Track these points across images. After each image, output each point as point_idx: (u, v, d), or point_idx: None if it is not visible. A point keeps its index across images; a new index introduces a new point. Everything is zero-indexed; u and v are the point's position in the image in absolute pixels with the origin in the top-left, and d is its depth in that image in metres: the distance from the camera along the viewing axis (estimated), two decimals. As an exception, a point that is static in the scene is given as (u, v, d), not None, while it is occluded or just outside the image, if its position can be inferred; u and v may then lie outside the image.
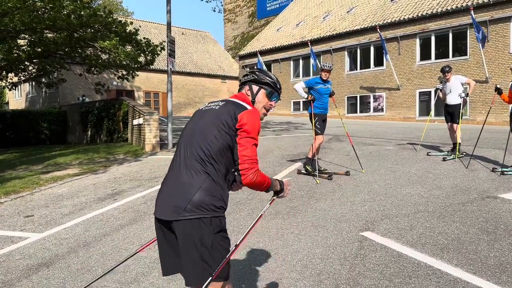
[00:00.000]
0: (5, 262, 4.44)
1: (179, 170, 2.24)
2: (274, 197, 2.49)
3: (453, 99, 8.57)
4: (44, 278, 3.95)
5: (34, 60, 17.98)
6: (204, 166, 2.18)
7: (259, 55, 27.56)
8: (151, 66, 18.89)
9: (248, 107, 2.32)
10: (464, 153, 8.44)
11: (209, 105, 2.43)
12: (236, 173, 2.26)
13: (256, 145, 2.23)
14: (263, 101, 2.48)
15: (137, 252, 2.59)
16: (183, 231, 2.14)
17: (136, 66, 17.26)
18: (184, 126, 2.46)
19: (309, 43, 24.42)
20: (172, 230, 2.21)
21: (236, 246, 2.20)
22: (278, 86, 2.53)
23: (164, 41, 15.42)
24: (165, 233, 2.27)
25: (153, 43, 17.24)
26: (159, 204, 2.26)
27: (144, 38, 17.22)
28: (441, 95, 8.88)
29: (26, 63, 18.08)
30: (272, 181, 2.34)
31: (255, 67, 27.22)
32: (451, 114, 8.67)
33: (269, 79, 2.50)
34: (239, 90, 2.55)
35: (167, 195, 2.22)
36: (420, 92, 20.59)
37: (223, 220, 2.22)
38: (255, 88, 2.49)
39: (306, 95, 7.49)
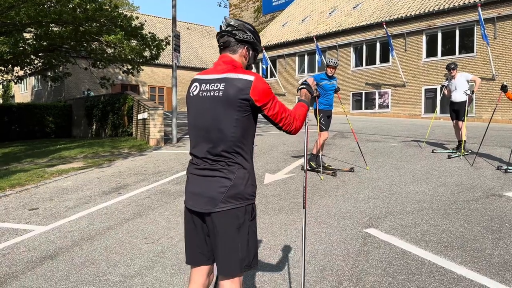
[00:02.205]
0: (9, 254, 4.47)
1: (206, 162, 2.19)
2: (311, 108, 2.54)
3: (458, 96, 8.52)
4: (48, 270, 3.97)
5: (40, 54, 18.05)
6: (232, 157, 2.16)
7: (264, 50, 27.48)
8: (156, 61, 18.89)
9: (250, 77, 2.15)
10: (470, 151, 8.40)
11: (204, 87, 2.22)
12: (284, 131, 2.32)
13: (277, 101, 2.24)
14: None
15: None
16: (220, 222, 2.14)
17: (141, 60, 17.28)
18: (188, 112, 2.33)
19: (314, 39, 24.33)
20: (205, 222, 2.21)
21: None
22: (259, 44, 2.42)
23: (169, 36, 15.43)
24: (196, 224, 2.26)
25: (158, 37, 17.24)
26: (190, 195, 2.25)
27: (149, 32, 17.22)
28: (446, 92, 8.83)
29: (32, 56, 18.16)
30: (305, 103, 2.46)
31: (261, 65, 27.17)
32: (457, 111, 8.62)
33: (256, 37, 2.35)
34: (224, 45, 2.29)
35: (199, 187, 2.20)
36: (426, 89, 20.48)
37: (255, 206, 2.26)
38: (247, 50, 2.33)
39: (311, 91, 7.46)
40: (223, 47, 2.30)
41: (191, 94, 2.29)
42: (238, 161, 2.16)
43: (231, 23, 2.28)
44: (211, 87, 2.19)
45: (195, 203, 2.21)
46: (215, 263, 2.28)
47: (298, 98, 2.49)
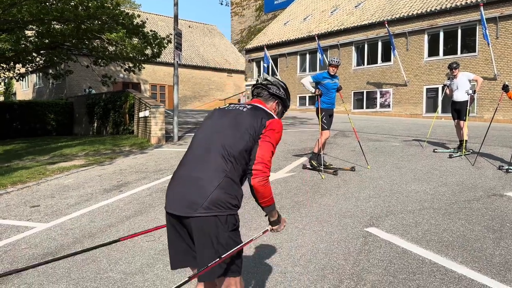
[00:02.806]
0: (11, 251, 4.48)
1: (195, 165, 2.22)
2: (269, 228, 2.43)
3: (460, 96, 8.51)
4: (49, 267, 3.98)
5: (42, 51, 18.05)
6: (224, 164, 2.17)
7: (265, 49, 27.45)
8: (157, 59, 18.88)
9: (275, 116, 2.37)
10: (471, 150, 8.39)
11: (233, 105, 2.43)
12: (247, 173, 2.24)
13: (273, 153, 2.27)
14: None
15: (147, 232, 2.56)
16: (199, 227, 2.13)
17: (142, 58, 17.27)
18: (204, 121, 2.46)
19: (316, 38, 24.31)
20: (185, 226, 2.20)
21: (220, 258, 2.13)
22: (289, 102, 2.63)
23: (171, 34, 15.42)
24: (176, 228, 2.25)
25: (159, 35, 17.22)
26: (171, 199, 2.23)
27: (151, 30, 17.19)
28: (448, 91, 8.82)
29: (34, 54, 18.17)
30: (273, 200, 2.30)
31: (262, 64, 27.13)
32: (458, 111, 8.61)
33: (287, 95, 2.57)
34: (258, 95, 2.52)
35: (181, 191, 2.19)
36: (427, 89, 20.45)
37: (237, 217, 2.23)
38: (277, 104, 2.54)
39: (313, 90, 7.46)
40: (256, 96, 2.52)
41: (218, 108, 2.49)
42: (227, 170, 2.17)
43: (267, 78, 2.53)
44: (237, 106, 2.43)
45: (175, 206, 2.19)
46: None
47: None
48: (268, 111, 2.37)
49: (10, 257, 4.32)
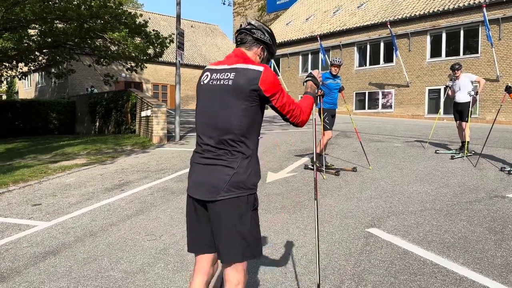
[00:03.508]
0: (12, 250, 4.48)
1: (210, 151, 2.22)
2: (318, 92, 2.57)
3: (462, 97, 8.49)
4: (51, 266, 3.98)
5: (44, 50, 18.08)
6: (237, 146, 2.17)
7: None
8: (159, 59, 18.90)
9: (260, 68, 2.21)
10: (473, 152, 8.38)
11: (215, 77, 2.27)
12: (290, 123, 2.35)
13: (285, 93, 2.27)
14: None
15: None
16: (220, 211, 2.16)
17: (144, 58, 17.29)
18: (197, 101, 2.37)
19: (318, 38, 24.30)
20: (206, 209, 2.23)
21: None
22: (275, 48, 2.53)
23: (173, 34, 15.42)
24: (198, 212, 2.28)
25: (162, 35, 17.24)
26: (193, 184, 2.26)
27: (153, 30, 17.22)
28: (450, 92, 8.80)
29: (36, 53, 18.19)
30: (310, 94, 2.47)
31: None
32: (460, 112, 8.60)
33: (273, 40, 2.45)
34: (241, 41, 2.38)
35: (202, 175, 2.22)
36: (429, 90, 20.44)
37: (257, 197, 2.27)
38: (262, 50, 2.41)
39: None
40: (240, 43, 2.39)
41: (202, 83, 2.35)
42: (242, 151, 2.18)
43: (251, 22, 2.40)
44: (221, 76, 2.25)
45: (197, 191, 2.23)
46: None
47: (304, 90, 2.52)
48: (251, 67, 2.21)
49: (11, 255, 4.33)
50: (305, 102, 2.40)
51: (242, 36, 2.38)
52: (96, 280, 3.61)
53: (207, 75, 2.33)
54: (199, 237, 2.31)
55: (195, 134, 2.38)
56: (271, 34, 2.43)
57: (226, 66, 2.28)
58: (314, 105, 2.55)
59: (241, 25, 2.44)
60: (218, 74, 2.27)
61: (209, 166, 2.20)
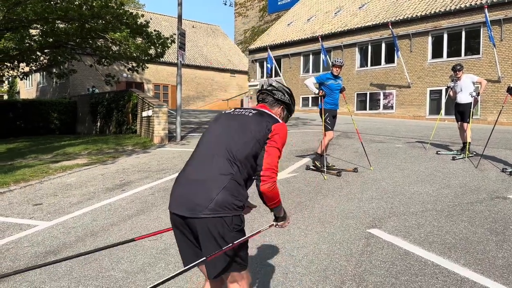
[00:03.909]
0: (13, 249, 4.49)
1: (201, 168, 2.24)
2: (274, 223, 2.53)
3: (463, 98, 8.49)
4: (51, 266, 3.98)
5: (46, 50, 18.10)
6: (229, 167, 2.19)
7: (269, 49, 27.46)
8: (161, 59, 18.91)
9: (280, 120, 2.41)
10: (474, 153, 8.36)
11: (239, 110, 2.45)
12: (254, 179, 2.30)
13: (279, 157, 2.31)
14: None
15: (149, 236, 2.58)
16: (204, 228, 2.14)
17: (146, 58, 17.29)
18: (209, 124, 2.48)
19: (319, 39, 24.29)
20: (189, 226, 2.22)
21: (221, 249, 2.17)
22: (294, 107, 2.67)
23: (175, 34, 15.43)
24: (180, 229, 2.28)
25: (163, 35, 17.25)
26: (176, 199, 2.25)
27: (154, 30, 17.22)
28: (451, 93, 8.80)
29: (38, 53, 18.21)
30: (281, 201, 2.41)
31: (265, 65, 27.12)
32: (462, 113, 8.59)
33: (292, 100, 2.61)
34: (263, 100, 2.56)
35: (187, 192, 2.21)
36: (431, 91, 20.41)
37: (243, 218, 2.27)
38: (282, 110, 2.58)
39: (317, 91, 7.45)
40: (261, 101, 2.55)
41: (224, 112, 2.50)
42: (233, 172, 2.20)
43: (273, 84, 2.58)
44: (244, 111, 2.44)
45: (179, 206, 2.21)
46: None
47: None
48: (273, 115, 2.40)
49: (12, 255, 4.33)
50: (279, 194, 2.35)
51: (264, 96, 2.56)
52: (96, 280, 3.61)
53: (232, 109, 2.53)
54: (189, 252, 2.31)
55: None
56: (290, 95, 2.59)
57: (251, 107, 2.49)
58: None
59: (262, 86, 2.59)
60: (242, 110, 2.46)
61: (197, 182, 2.20)
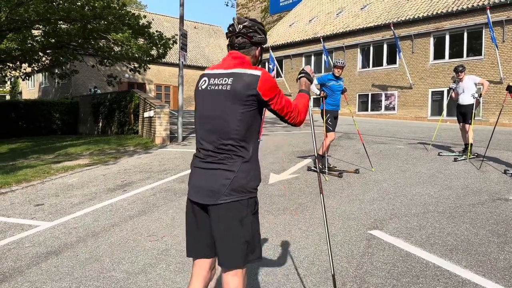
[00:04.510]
0: (15, 249, 4.49)
1: (210, 155, 2.22)
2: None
3: (465, 99, 8.47)
4: (53, 266, 3.99)
5: (48, 51, 18.13)
6: (236, 150, 2.18)
7: (270, 50, 27.46)
8: (163, 60, 18.92)
9: (258, 72, 2.20)
10: (476, 154, 8.35)
11: (213, 82, 2.25)
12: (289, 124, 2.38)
13: (282, 95, 2.28)
14: None
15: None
16: (222, 214, 2.16)
17: (148, 59, 17.31)
18: (195, 106, 2.36)
19: (321, 40, 24.29)
20: (207, 214, 2.23)
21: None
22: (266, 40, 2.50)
23: (176, 35, 15.46)
24: (196, 216, 2.29)
25: (165, 36, 17.27)
26: (194, 188, 2.26)
27: (156, 31, 17.25)
28: (453, 94, 8.78)
29: (40, 53, 18.25)
30: (306, 93, 2.46)
31: (267, 65, 27.14)
32: (464, 114, 8.57)
33: (265, 35, 2.41)
34: (239, 46, 2.32)
35: (202, 179, 2.22)
36: (432, 92, 20.38)
37: (257, 200, 2.27)
38: (260, 50, 2.41)
39: (318, 92, 7.45)
40: (238, 48, 2.32)
41: (200, 88, 2.33)
42: (241, 155, 2.18)
43: (245, 23, 2.30)
44: (220, 81, 2.23)
45: (198, 195, 2.23)
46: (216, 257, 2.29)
47: (299, 88, 2.53)
48: (249, 72, 2.19)
49: (13, 255, 4.34)
50: (301, 101, 2.41)
51: (240, 40, 2.31)
52: (98, 281, 3.61)
53: (205, 80, 2.32)
54: (198, 242, 2.31)
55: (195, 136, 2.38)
56: (264, 31, 2.38)
57: (223, 71, 2.26)
58: (310, 101, 2.56)
59: (232, 26, 2.33)
60: (216, 79, 2.25)
61: (210, 170, 2.20)
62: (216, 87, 2.23)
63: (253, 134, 2.24)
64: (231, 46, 2.35)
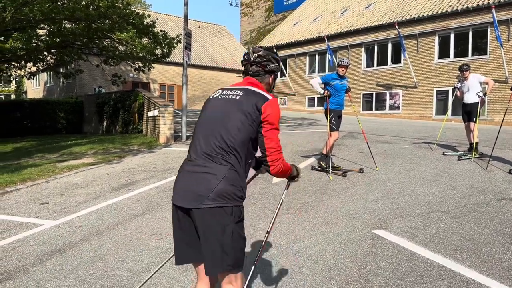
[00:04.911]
0: (20, 248, 4.52)
1: (200, 159, 2.23)
2: (290, 182, 2.62)
3: (471, 98, 8.43)
4: (57, 264, 4.01)
5: (53, 50, 18.21)
6: (227, 156, 2.18)
7: (275, 49, 27.45)
8: (167, 59, 18.95)
9: (269, 96, 2.31)
10: (481, 153, 8.30)
11: (225, 93, 2.38)
12: (262, 165, 2.36)
13: (278, 132, 2.30)
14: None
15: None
16: (204, 219, 2.15)
17: (152, 58, 17.35)
18: (200, 114, 2.43)
19: (325, 39, 24.24)
20: (191, 218, 2.22)
21: (268, 232, 2.33)
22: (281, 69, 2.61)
23: (181, 34, 15.46)
24: (181, 221, 2.28)
25: (169, 35, 17.30)
26: (178, 191, 2.26)
27: (160, 30, 17.27)
28: (458, 93, 8.75)
29: (45, 53, 18.32)
30: (291, 167, 2.48)
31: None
32: (469, 113, 8.53)
33: (279, 63, 2.55)
34: (253, 74, 2.45)
35: (188, 183, 2.22)
36: (437, 91, 20.30)
37: (243, 209, 2.25)
38: (274, 78, 2.54)
39: (322, 91, 7.43)
40: (252, 75, 2.45)
41: (211, 97, 2.43)
42: (231, 162, 2.19)
43: (260, 53, 2.44)
44: (232, 92, 2.37)
45: (182, 198, 2.22)
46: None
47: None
48: (261, 92, 2.32)
49: (18, 253, 4.36)
50: (288, 165, 2.45)
51: (254, 69, 2.44)
52: (102, 279, 3.62)
53: (219, 91, 2.45)
54: (185, 248, 2.31)
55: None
56: (277, 60, 2.49)
57: (237, 87, 2.40)
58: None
59: (247, 55, 2.46)
60: (229, 91, 2.38)
61: (197, 173, 2.21)
62: (227, 96, 2.35)
63: (247, 148, 2.24)
64: (245, 73, 2.48)
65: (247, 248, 4.11)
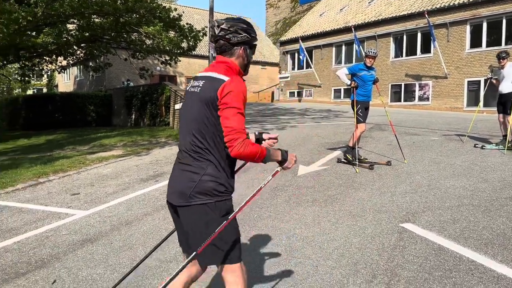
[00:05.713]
0: (52, 237, 4.67)
1: (182, 157, 2.27)
2: (278, 169, 2.33)
3: (505, 87, 8.12)
4: (88, 253, 4.12)
5: (82, 45, 18.63)
6: (203, 153, 2.18)
7: (300, 41, 27.21)
8: (193, 52, 19.09)
9: (226, 78, 2.15)
10: (514, 146, 8.02)
11: (193, 84, 2.31)
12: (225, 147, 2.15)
13: (241, 114, 2.10)
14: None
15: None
16: (187, 216, 2.20)
17: (178, 51, 17.50)
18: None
19: (352, 29, 23.85)
20: (178, 214, 2.28)
21: (227, 220, 2.15)
22: (255, 39, 2.35)
23: (206, 27, 15.53)
24: (173, 216, 2.39)
25: (195, 28, 17.38)
26: (168, 187, 2.34)
27: (186, 23, 17.38)
28: (494, 82, 8.45)
29: (75, 47, 18.76)
30: (268, 151, 2.18)
31: (297, 56, 26.86)
32: (504, 104, 8.23)
33: (251, 34, 2.31)
34: (220, 50, 2.30)
35: (174, 181, 2.28)
36: (468, 81, 19.70)
37: (229, 201, 2.23)
38: (244, 50, 2.31)
39: (349, 82, 7.32)
40: (220, 52, 2.31)
41: (187, 89, 2.40)
42: (209, 158, 2.18)
43: (222, 26, 2.26)
44: (196, 84, 2.29)
45: (170, 195, 2.29)
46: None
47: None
48: (218, 76, 2.17)
49: (51, 242, 4.51)
50: (257, 146, 2.13)
51: (220, 43, 2.28)
52: (130, 268, 3.71)
53: (191, 81, 2.39)
54: (180, 237, 2.41)
55: None
56: (246, 29, 2.28)
57: (203, 74, 2.32)
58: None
59: (214, 30, 2.29)
60: (195, 82, 2.31)
61: (180, 171, 2.25)
62: (192, 89, 2.29)
63: (222, 140, 2.13)
64: (217, 52, 2.35)
65: (271, 240, 4.14)
